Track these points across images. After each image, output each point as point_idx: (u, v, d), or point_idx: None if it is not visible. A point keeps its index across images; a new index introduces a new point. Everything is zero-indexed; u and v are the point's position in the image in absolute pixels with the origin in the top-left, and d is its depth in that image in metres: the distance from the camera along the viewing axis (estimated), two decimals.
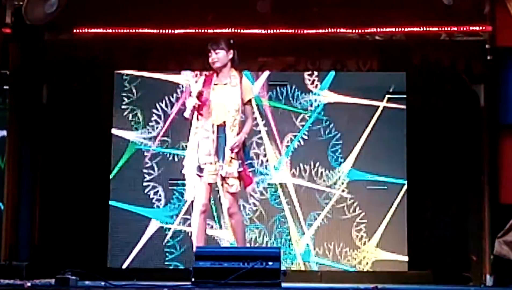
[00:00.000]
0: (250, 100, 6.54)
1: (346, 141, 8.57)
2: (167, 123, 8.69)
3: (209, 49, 6.51)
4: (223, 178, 6.43)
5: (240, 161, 6.43)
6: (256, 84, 8.58)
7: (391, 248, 8.42)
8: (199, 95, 6.39)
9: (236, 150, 6.39)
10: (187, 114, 6.52)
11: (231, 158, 6.39)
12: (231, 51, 6.51)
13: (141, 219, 8.61)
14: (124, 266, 8.52)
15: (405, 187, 8.47)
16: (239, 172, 6.42)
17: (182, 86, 8.75)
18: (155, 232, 8.58)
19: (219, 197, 6.77)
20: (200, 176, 6.42)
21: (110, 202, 8.60)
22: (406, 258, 8.36)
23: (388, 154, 8.53)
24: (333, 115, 8.62)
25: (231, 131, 6.38)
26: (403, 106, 8.52)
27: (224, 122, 6.40)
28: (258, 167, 8.42)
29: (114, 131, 8.67)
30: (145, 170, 8.66)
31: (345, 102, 8.59)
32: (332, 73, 8.63)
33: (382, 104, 8.54)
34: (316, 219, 8.50)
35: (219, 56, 6.48)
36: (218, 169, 6.39)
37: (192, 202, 6.65)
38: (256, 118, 8.24)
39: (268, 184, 8.58)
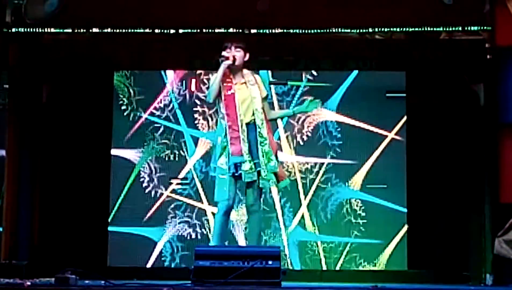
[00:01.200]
0: (265, 97, 6.50)
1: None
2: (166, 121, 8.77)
3: (229, 45, 6.43)
4: (260, 175, 6.30)
5: (276, 156, 6.38)
6: None
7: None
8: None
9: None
10: (211, 98, 6.41)
11: (269, 154, 6.30)
12: (247, 54, 6.48)
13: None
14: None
15: (405, 186, 8.49)
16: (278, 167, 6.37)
17: (182, 84, 8.78)
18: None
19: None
20: (235, 176, 6.31)
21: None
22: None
23: (388, 155, 8.55)
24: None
25: (262, 128, 6.32)
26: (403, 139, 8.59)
27: (254, 120, 6.34)
28: None
29: (113, 151, 8.74)
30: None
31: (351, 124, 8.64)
32: (339, 93, 8.67)
33: (390, 137, 8.59)
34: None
35: (238, 54, 6.41)
36: (253, 168, 6.28)
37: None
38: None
39: None
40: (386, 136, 8.57)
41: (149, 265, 8.54)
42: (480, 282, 7.78)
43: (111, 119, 8.76)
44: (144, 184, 8.68)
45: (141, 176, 8.70)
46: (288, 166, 8.62)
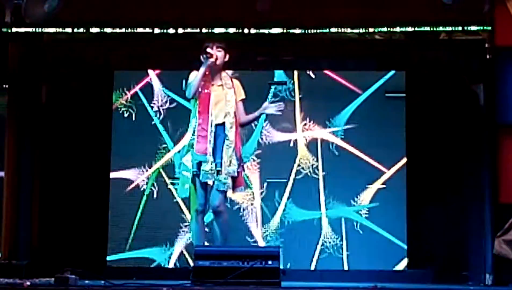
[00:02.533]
0: (241, 100, 6.64)
1: None
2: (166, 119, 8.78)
3: (210, 45, 6.56)
4: (218, 176, 6.41)
5: (239, 162, 6.48)
6: None
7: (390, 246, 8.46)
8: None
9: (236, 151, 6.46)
10: (189, 94, 6.54)
11: (231, 158, 6.41)
12: (227, 55, 6.60)
13: None
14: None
15: (405, 186, 8.49)
16: (238, 172, 6.46)
17: (181, 83, 8.79)
18: None
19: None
20: (197, 174, 6.41)
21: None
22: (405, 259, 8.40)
23: (388, 152, 8.56)
24: None
25: (230, 131, 6.43)
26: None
27: (224, 122, 6.44)
28: None
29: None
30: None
31: None
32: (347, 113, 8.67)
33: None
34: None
35: (218, 55, 6.54)
36: (213, 169, 6.39)
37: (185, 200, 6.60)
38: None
39: None
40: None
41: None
42: (480, 282, 7.79)
43: (111, 119, 8.76)
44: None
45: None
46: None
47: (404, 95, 8.60)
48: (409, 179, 8.48)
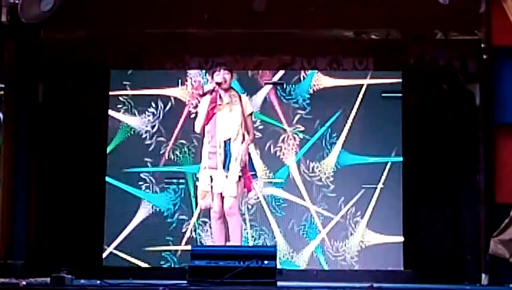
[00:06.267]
0: (250, 114, 7.03)
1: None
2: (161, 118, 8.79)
3: (217, 69, 6.97)
4: (227, 182, 6.81)
5: (241, 168, 6.82)
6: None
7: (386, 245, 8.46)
8: (208, 114, 6.89)
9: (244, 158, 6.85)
10: (197, 129, 6.99)
11: (236, 168, 6.79)
12: (233, 76, 7.09)
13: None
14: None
15: (401, 187, 8.49)
16: (244, 178, 6.85)
17: (178, 82, 8.79)
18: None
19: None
20: (211, 186, 6.81)
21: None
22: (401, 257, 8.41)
23: (384, 152, 8.56)
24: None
25: (234, 143, 6.83)
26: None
27: (230, 138, 6.85)
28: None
29: (110, 112, 8.78)
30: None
31: None
32: None
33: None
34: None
35: (226, 77, 6.93)
36: (223, 181, 6.79)
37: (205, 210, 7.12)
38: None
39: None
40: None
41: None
42: (476, 282, 7.79)
43: (107, 119, 8.75)
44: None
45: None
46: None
47: (400, 95, 8.60)
48: (405, 179, 8.49)
